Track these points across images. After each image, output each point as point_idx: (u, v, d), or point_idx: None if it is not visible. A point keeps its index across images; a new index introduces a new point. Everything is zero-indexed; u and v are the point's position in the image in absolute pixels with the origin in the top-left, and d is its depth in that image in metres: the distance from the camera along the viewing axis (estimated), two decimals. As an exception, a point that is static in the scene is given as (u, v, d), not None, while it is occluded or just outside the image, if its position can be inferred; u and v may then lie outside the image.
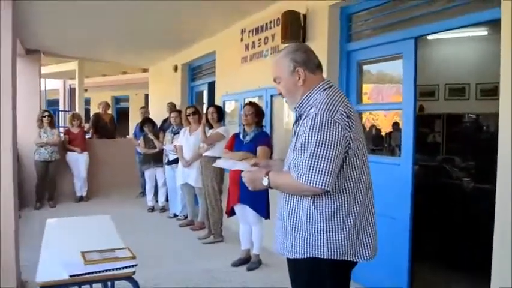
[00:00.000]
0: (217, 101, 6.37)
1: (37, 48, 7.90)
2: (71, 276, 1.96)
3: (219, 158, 4.88)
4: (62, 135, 8.01)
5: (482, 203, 3.69)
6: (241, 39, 5.68)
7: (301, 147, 1.80)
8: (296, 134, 1.91)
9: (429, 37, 6.79)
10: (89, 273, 1.99)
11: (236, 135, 4.62)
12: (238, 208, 4.40)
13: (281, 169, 2.05)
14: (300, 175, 1.78)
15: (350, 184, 1.87)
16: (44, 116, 7.28)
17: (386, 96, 6.88)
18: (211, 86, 7.06)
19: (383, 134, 7.51)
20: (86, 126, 8.48)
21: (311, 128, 1.78)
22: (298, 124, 1.94)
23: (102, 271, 2.02)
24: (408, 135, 3.53)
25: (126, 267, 2.09)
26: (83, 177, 7.78)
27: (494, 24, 2.64)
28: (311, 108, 1.89)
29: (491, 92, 6.40)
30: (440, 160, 6.29)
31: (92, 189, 8.06)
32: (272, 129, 5.07)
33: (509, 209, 2.48)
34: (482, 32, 6.39)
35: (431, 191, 4.61)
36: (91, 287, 2.48)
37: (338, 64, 4.15)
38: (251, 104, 4.57)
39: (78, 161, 7.69)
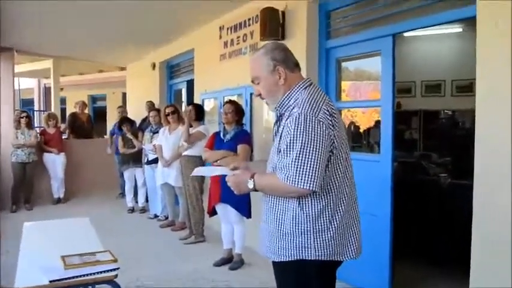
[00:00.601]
0: (196, 100, 6.32)
1: (10, 46, 7.68)
2: (51, 281, 1.92)
3: (199, 156, 4.90)
4: (38, 135, 7.84)
5: (458, 198, 3.77)
6: (220, 37, 5.65)
7: (287, 148, 1.78)
8: (279, 134, 1.89)
9: (405, 34, 6.88)
10: (69, 278, 1.95)
11: (216, 134, 4.60)
12: (220, 207, 4.38)
13: (263, 170, 2.04)
14: (287, 177, 1.76)
15: (335, 183, 1.87)
16: (22, 117, 7.10)
17: (365, 93, 6.95)
18: (190, 84, 7.01)
19: (361, 131, 7.58)
20: (62, 126, 8.32)
21: (295, 128, 1.77)
22: (280, 124, 1.92)
23: (83, 275, 1.99)
24: (387, 132, 3.58)
25: (107, 270, 2.06)
26: (60, 179, 7.63)
27: (469, 21, 2.70)
28: (293, 108, 1.87)
29: (467, 88, 6.54)
30: (418, 156, 6.40)
31: (70, 190, 7.90)
32: (252, 128, 5.06)
33: (487, 203, 2.54)
34: (457, 29, 6.52)
35: (409, 187, 4.68)
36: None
37: (317, 61, 4.17)
38: (231, 102, 4.56)
39: (55, 162, 7.53)
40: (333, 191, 1.87)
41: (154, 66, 8.20)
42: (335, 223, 1.86)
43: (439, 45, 7.03)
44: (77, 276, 1.97)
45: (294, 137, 1.76)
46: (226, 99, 5.18)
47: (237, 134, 4.37)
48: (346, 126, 7.49)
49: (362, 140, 7.31)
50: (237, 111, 4.45)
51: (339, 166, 1.88)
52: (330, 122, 1.81)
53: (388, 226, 3.51)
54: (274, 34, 4.32)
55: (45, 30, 6.64)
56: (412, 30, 3.61)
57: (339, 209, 1.88)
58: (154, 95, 8.06)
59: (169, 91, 8.16)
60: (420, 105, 7.41)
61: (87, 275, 2.00)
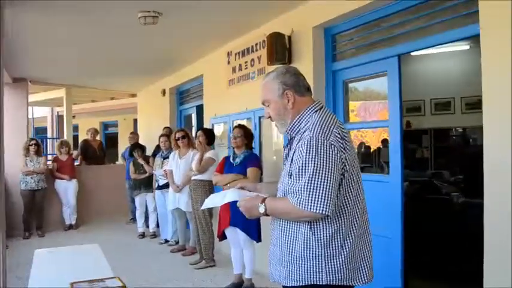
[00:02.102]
0: (206, 124, 6.38)
1: (24, 76, 7.88)
2: (60, 309, 1.92)
3: (209, 181, 4.91)
4: (50, 163, 7.95)
5: (471, 217, 3.71)
6: (228, 62, 5.73)
7: (299, 172, 1.78)
8: (290, 158, 1.89)
9: (413, 53, 6.92)
10: (78, 305, 1.95)
11: (226, 158, 4.62)
12: (229, 231, 4.36)
13: (271, 191, 2.04)
14: (300, 201, 1.75)
15: (347, 207, 1.86)
16: (31, 145, 7.21)
17: (374, 113, 6.94)
18: (200, 109, 7.07)
19: (372, 151, 7.55)
20: (75, 153, 8.41)
21: (307, 152, 1.77)
22: (291, 148, 1.93)
23: (92, 302, 1.98)
24: (396, 152, 3.55)
25: (116, 297, 2.05)
26: (72, 205, 7.69)
27: (476, 38, 2.71)
28: (304, 131, 1.88)
29: (476, 105, 6.51)
30: (429, 175, 6.34)
31: (82, 216, 7.95)
32: (261, 151, 5.07)
33: (497, 219, 2.50)
34: (465, 46, 6.53)
35: (421, 206, 4.64)
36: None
37: (324, 84, 4.19)
38: (240, 126, 4.59)
39: (67, 188, 7.60)
40: (344, 215, 1.85)
41: (164, 92, 8.31)
42: (346, 247, 1.84)
43: (447, 63, 7.04)
44: (85, 303, 1.96)
45: (306, 161, 1.76)
46: (235, 123, 5.21)
47: (247, 157, 4.38)
48: (356, 146, 7.49)
49: (372, 160, 7.27)
50: (246, 135, 4.48)
51: (350, 189, 1.87)
52: (342, 145, 1.81)
53: (399, 248, 3.45)
54: (281, 58, 4.37)
55: (57, 61, 6.80)
56: (417, 50, 3.62)
57: (351, 233, 1.86)
58: (165, 120, 8.14)
59: (180, 116, 8.25)
60: (430, 124, 7.38)
61: (95, 302, 1.99)
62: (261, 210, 1.91)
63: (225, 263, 5.03)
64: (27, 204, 7.11)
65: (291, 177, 1.84)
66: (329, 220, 1.82)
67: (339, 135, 1.83)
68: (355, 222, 1.88)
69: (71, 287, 2.12)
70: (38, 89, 10.40)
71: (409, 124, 7.53)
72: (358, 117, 6.69)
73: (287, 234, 1.90)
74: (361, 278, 1.89)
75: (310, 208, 1.73)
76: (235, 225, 4.24)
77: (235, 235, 4.33)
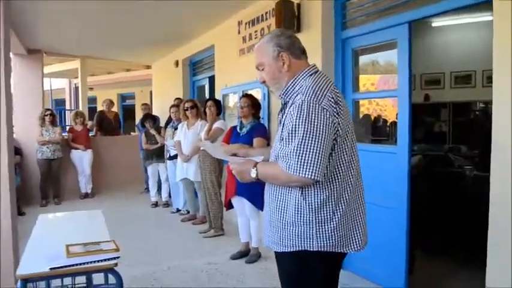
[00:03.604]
0: (217, 95, 6.37)
1: (38, 47, 7.94)
2: (51, 268, 1.97)
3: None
4: (66, 133, 8.10)
5: (482, 190, 3.64)
6: (239, 32, 5.65)
7: (289, 136, 1.75)
8: (282, 122, 1.86)
9: (433, 24, 6.70)
10: (69, 266, 2.00)
11: (233, 128, 4.61)
12: (236, 201, 4.39)
13: (267, 157, 2.02)
14: (289, 165, 1.73)
15: (339, 173, 1.83)
16: (46, 115, 7.32)
17: (394, 86, 6.84)
18: (212, 80, 7.04)
19: (389, 124, 7.44)
20: (89, 124, 8.53)
21: (298, 115, 1.73)
22: (284, 112, 1.90)
23: (84, 263, 2.03)
24: (404, 123, 3.47)
25: (108, 259, 2.09)
26: (87, 175, 7.85)
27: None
28: (297, 95, 1.85)
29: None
30: (446, 149, 6.22)
31: (97, 186, 8.13)
32: (270, 122, 5.04)
33: (506, 196, 2.43)
34: (488, 17, 6.26)
35: (432, 180, 4.57)
36: (73, 280, 2.49)
37: (333, 52, 4.11)
38: (247, 96, 4.56)
39: (82, 158, 7.75)
40: (336, 180, 1.83)
41: (177, 63, 8.30)
42: (338, 214, 1.82)
43: (469, 35, 6.78)
44: (77, 264, 2.01)
45: (296, 125, 1.73)
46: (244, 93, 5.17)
47: (254, 127, 4.36)
48: (373, 119, 7.39)
49: (389, 133, 7.17)
50: (253, 105, 4.45)
51: (343, 155, 1.84)
52: (335, 110, 1.77)
53: (404, 219, 3.41)
54: (290, 26, 4.28)
55: (71, 31, 6.82)
56: (428, 17, 3.48)
57: (343, 200, 1.84)
58: (178, 92, 8.16)
59: (193, 87, 8.25)
60: (450, 97, 7.17)
61: (87, 263, 2.04)
62: (253, 174, 1.90)
63: (234, 232, 5.08)
64: (43, 173, 7.29)
65: (281, 142, 1.82)
66: (320, 186, 1.80)
67: (332, 100, 1.79)
68: (348, 189, 1.86)
69: (66, 248, 2.17)
70: (53, 60, 10.50)
71: (427, 97, 7.35)
72: (378, 89, 6.58)
73: (278, 199, 1.90)
74: (353, 245, 1.88)
75: (299, 172, 1.71)
76: (241, 194, 4.26)
77: (242, 204, 4.36)
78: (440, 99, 7.23)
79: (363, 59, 4.78)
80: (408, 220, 3.41)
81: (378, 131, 6.93)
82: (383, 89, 6.61)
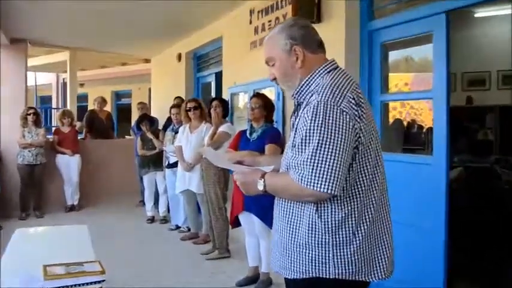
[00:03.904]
0: (225, 94, 6.39)
1: (22, 36, 8.05)
2: (26, 292, 1.97)
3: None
4: (52, 135, 8.17)
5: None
6: (250, 22, 5.69)
7: (302, 142, 1.73)
8: (295, 126, 1.85)
9: (476, 14, 6.63)
10: (47, 290, 2.00)
11: (242, 133, 4.61)
12: (243, 217, 4.38)
13: (275, 166, 2.01)
14: (302, 177, 1.71)
15: (361, 186, 1.81)
16: (29, 114, 7.39)
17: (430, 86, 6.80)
18: (219, 77, 7.08)
19: (425, 130, 7.38)
20: (78, 124, 8.61)
21: (313, 119, 1.71)
22: (298, 115, 1.88)
23: (63, 287, 2.03)
24: (440, 130, 3.44)
25: (92, 283, 2.09)
26: (74, 183, 7.90)
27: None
28: (312, 94, 1.83)
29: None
30: (492, 161, 6.14)
31: (85, 196, 8.18)
32: (285, 126, 5.04)
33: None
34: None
35: (476, 196, 4.52)
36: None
37: (359, 47, 4.11)
38: (258, 95, 4.55)
39: (69, 164, 7.81)
40: (358, 196, 1.80)
41: (180, 57, 8.36)
42: (360, 235, 1.79)
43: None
44: (56, 288, 2.01)
45: (310, 130, 1.71)
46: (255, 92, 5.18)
47: (266, 132, 4.35)
48: (406, 124, 7.34)
49: (424, 141, 7.10)
50: (265, 106, 4.43)
51: (366, 166, 1.81)
52: (356, 113, 1.75)
53: (441, 241, 3.36)
54: (309, 16, 4.28)
55: (60, 19, 6.90)
56: (470, 5, 3.45)
57: (365, 218, 1.81)
58: (181, 90, 8.21)
59: (197, 85, 8.31)
60: (496, 100, 7.08)
61: (68, 287, 2.04)
62: (260, 186, 1.88)
63: (241, 253, 5.05)
64: (24, 180, 7.35)
65: (293, 149, 1.80)
66: (339, 202, 1.78)
67: (353, 101, 1.77)
68: (371, 205, 1.83)
69: (44, 269, 2.17)
70: (39, 51, 10.61)
71: (470, 100, 7.28)
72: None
73: (290, 217, 1.88)
74: (377, 273, 1.84)
75: (314, 185, 1.69)
76: (249, 210, 4.24)
77: (250, 222, 4.34)
78: (485, 102, 7.15)
79: (394, 55, 4.77)
80: (446, 243, 3.36)
81: (411, 138, 6.89)
82: (419, 89, 6.57)
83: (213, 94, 7.77)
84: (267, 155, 4.16)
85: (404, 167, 3.62)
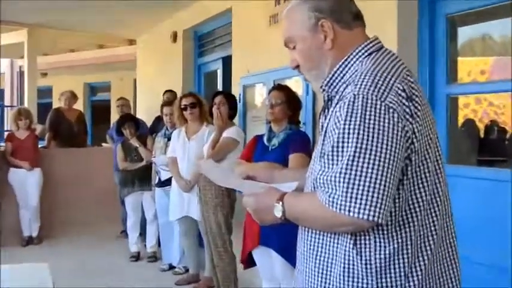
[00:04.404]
0: (235, 87, 6.41)
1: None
2: None
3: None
4: (3, 143, 8.24)
5: None
6: (270, -13, 5.74)
7: (333, 151, 1.72)
8: (324, 129, 1.85)
9: None
10: None
11: (258, 139, 4.61)
12: (259, 254, 4.36)
13: (299, 183, 2.01)
14: (333, 199, 1.68)
15: (416, 211, 1.79)
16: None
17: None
18: (228, 63, 7.12)
19: (509, 136, 7.35)
20: (39, 128, 8.68)
21: (348, 118, 1.70)
22: (328, 114, 1.88)
23: None
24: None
25: None
26: (33, 207, 7.95)
27: None
28: (348, 85, 1.83)
29: None
30: None
31: (48, 225, 8.23)
32: (315, 129, 5.05)
33: None
34: None
35: None
36: None
37: (416, 21, 4.11)
38: (280, 88, 4.55)
39: (25, 181, 7.87)
40: (412, 224, 1.79)
41: (175, 37, 8.43)
42: (415, 278, 1.78)
43: None
44: None
45: (344, 134, 1.70)
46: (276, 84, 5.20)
47: (289, 137, 4.34)
48: (483, 127, 7.29)
49: (507, 150, 7.06)
50: (289, 102, 4.43)
51: (422, 183, 1.80)
52: (407, 110, 1.73)
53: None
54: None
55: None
56: None
57: (422, 254, 1.80)
58: (177, 80, 8.27)
59: (198, 74, 8.37)
60: None
61: None
62: (278, 213, 1.86)
63: (256, 303, 5.07)
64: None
65: (322, 160, 1.79)
66: (385, 232, 1.77)
67: (403, 94, 1.75)
68: (430, 238, 1.82)
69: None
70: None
71: None
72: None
73: (319, 254, 1.88)
74: None
75: (350, 211, 1.66)
76: (267, 244, 4.23)
77: (268, 260, 4.33)
78: None
79: (465, 32, 4.74)
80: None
81: (490, 146, 6.82)
82: (501, 79, 6.50)
83: (219, 87, 7.80)
84: (292, 168, 4.18)
85: (479, 185, 3.60)
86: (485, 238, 3.44)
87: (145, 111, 8.67)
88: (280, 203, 1.85)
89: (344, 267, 1.80)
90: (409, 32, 4.08)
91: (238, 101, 5.77)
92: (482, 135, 6.98)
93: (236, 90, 6.31)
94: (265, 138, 4.49)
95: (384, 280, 1.77)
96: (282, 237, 4.06)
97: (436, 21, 4.05)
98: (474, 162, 5.04)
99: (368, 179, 1.66)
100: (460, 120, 5.49)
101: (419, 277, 1.78)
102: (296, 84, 5.16)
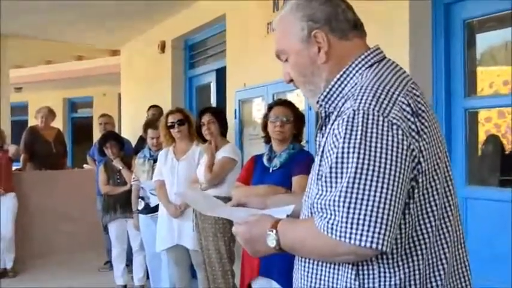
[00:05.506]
0: (230, 101, 6.43)
1: None
2: None
3: (228, 198, 4.94)
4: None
5: None
6: (267, -9, 5.78)
7: (331, 172, 1.70)
8: (321, 148, 1.83)
9: None
10: None
11: (257, 159, 4.62)
12: (260, 284, 4.38)
13: (294, 208, 2.02)
14: (332, 225, 1.67)
15: (424, 239, 1.79)
16: None
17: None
18: (222, 75, 7.14)
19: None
20: (12, 149, 8.69)
21: (347, 136, 1.69)
22: (326, 131, 1.88)
23: None
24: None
25: None
26: (7, 237, 7.95)
27: None
28: (346, 100, 1.83)
29: None
30: None
31: (23, 257, 8.21)
32: (319, 147, 5.06)
33: None
34: None
35: None
36: None
37: (430, 26, 4.15)
38: (286, 104, 4.56)
39: (-2, 208, 7.87)
40: (419, 252, 1.78)
41: (163, 47, 8.45)
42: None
43: None
44: None
45: (344, 153, 1.69)
46: (277, 98, 5.22)
47: (293, 157, 4.36)
48: (506, 144, 7.29)
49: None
50: (296, 120, 4.45)
51: (430, 207, 1.79)
52: (413, 126, 1.73)
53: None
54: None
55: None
56: None
57: (432, 286, 1.80)
58: (165, 95, 8.29)
59: (189, 88, 8.38)
60: None
61: None
62: (271, 242, 1.83)
63: None
64: None
65: (319, 182, 1.78)
66: (390, 262, 1.76)
67: (408, 109, 1.74)
68: (440, 267, 1.82)
69: None
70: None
71: None
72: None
73: (317, 285, 1.87)
74: None
75: (351, 238, 1.65)
76: (268, 274, 4.25)
77: (269, 292, 4.35)
78: None
79: (485, 39, 4.77)
80: None
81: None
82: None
83: (213, 101, 7.82)
84: (297, 192, 4.18)
85: (502, 208, 3.60)
86: (507, 268, 3.45)
87: (131, 130, 8.67)
88: (274, 231, 1.83)
89: None
90: (422, 38, 4.09)
91: (234, 117, 5.81)
92: (506, 153, 6.98)
93: (231, 105, 6.33)
94: (265, 159, 4.49)
95: None
96: (283, 266, 4.04)
97: (453, 26, 4.08)
98: (496, 182, 5.05)
99: (370, 203, 1.65)
100: (481, 136, 5.48)
101: None
102: (298, 99, 5.17)
